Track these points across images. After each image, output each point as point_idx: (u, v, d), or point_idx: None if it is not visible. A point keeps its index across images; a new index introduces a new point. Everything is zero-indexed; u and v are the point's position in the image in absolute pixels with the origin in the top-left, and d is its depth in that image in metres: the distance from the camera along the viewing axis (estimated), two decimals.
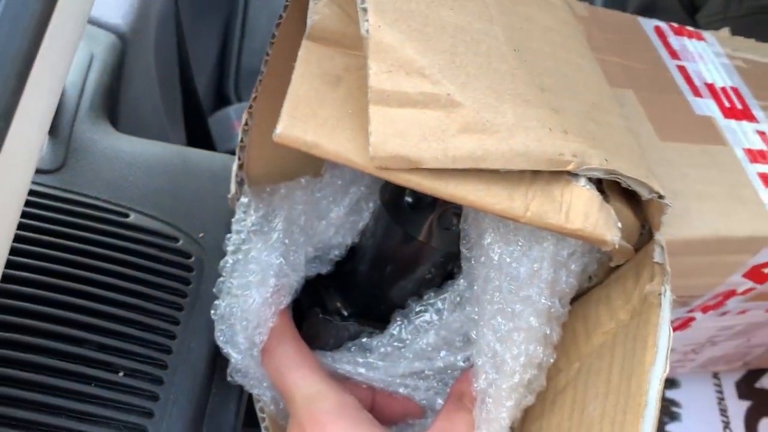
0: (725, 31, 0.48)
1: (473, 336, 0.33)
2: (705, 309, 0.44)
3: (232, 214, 0.39)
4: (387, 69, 0.23)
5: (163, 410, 0.32)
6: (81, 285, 0.34)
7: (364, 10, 0.24)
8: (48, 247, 0.35)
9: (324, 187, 0.40)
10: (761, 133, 0.42)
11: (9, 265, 0.33)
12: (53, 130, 0.41)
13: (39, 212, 0.36)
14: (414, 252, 0.38)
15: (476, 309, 0.32)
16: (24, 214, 0.35)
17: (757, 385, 0.65)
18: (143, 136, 0.54)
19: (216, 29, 1.02)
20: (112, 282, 0.35)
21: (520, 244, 0.31)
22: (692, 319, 0.45)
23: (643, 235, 0.33)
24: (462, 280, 0.34)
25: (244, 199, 0.39)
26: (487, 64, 0.25)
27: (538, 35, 0.29)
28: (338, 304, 0.42)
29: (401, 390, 0.36)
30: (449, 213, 0.37)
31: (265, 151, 0.39)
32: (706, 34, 0.47)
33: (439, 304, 0.35)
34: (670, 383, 0.63)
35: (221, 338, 0.35)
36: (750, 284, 0.41)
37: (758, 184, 0.38)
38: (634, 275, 0.33)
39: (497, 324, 0.33)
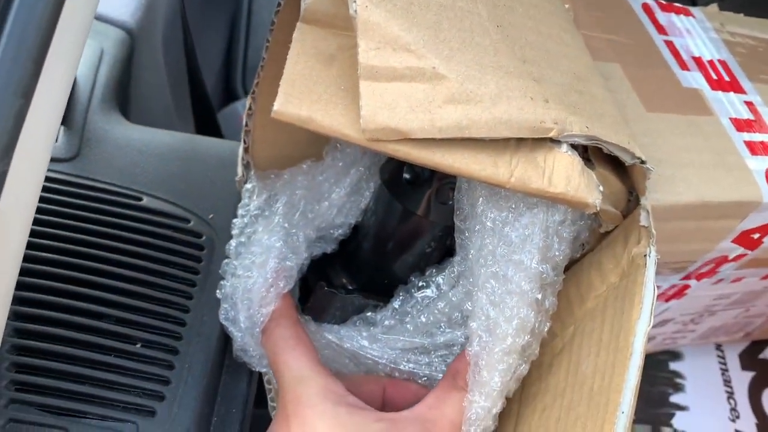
0: (714, 7, 0.49)
1: (468, 306, 0.34)
2: (699, 276, 0.45)
3: (240, 196, 0.41)
4: (375, 46, 0.25)
5: (179, 378, 0.34)
6: (99, 264, 0.36)
7: None
8: (68, 230, 0.37)
9: (326, 169, 0.42)
10: (749, 104, 0.43)
11: (33, 247, 0.35)
12: (68, 122, 0.43)
13: (58, 197, 0.38)
14: (414, 227, 0.40)
15: (470, 279, 0.34)
16: (44, 200, 0.37)
17: (761, 356, 0.66)
18: (153, 127, 0.56)
19: (222, 25, 1.04)
20: (128, 261, 0.37)
21: (512, 210, 0.33)
22: (687, 286, 0.46)
23: (631, 202, 0.35)
24: (458, 256, 0.36)
25: (248, 185, 0.41)
26: (471, 38, 0.27)
27: (522, 11, 0.30)
28: (344, 280, 0.44)
29: (403, 366, 0.37)
30: (445, 188, 0.38)
31: (269, 134, 0.41)
32: (694, 9, 0.48)
33: (439, 280, 0.37)
34: (674, 356, 0.64)
35: (224, 317, 0.37)
36: (741, 250, 0.42)
37: (744, 151, 0.40)
38: (623, 240, 0.34)
39: (490, 287, 0.34)
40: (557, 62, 0.30)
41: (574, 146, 0.29)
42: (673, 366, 0.64)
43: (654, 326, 0.52)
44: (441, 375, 0.38)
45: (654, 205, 0.35)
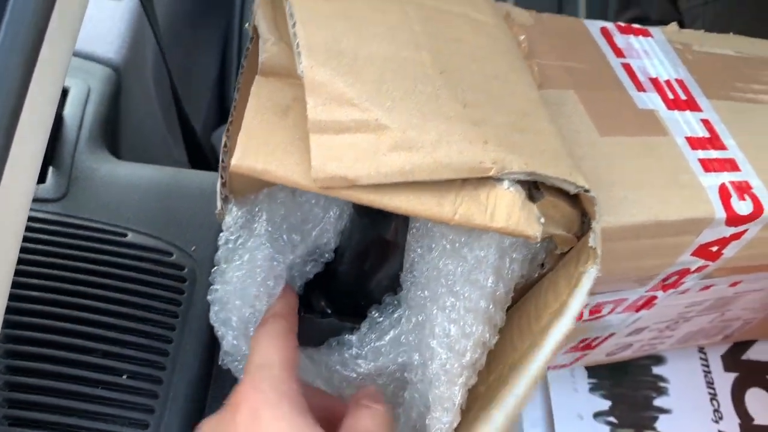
0: (674, 26, 0.51)
1: (423, 318, 0.36)
2: (665, 288, 0.46)
3: (221, 227, 0.43)
4: (322, 102, 0.27)
5: (163, 406, 0.36)
6: (86, 300, 0.38)
7: (299, 54, 0.28)
8: (55, 269, 0.39)
9: (303, 192, 0.44)
10: (705, 121, 0.45)
11: (22, 286, 0.37)
12: (55, 162, 0.45)
13: (46, 237, 0.41)
14: (385, 250, 0.42)
15: (426, 293, 0.36)
16: (32, 240, 0.40)
17: (744, 357, 0.67)
18: (147, 157, 0.58)
19: (215, 43, 1.06)
20: (114, 296, 0.39)
21: (470, 233, 0.35)
22: (654, 297, 0.48)
23: (585, 224, 0.37)
24: (408, 273, 0.38)
25: (232, 206, 0.43)
26: (413, 87, 0.29)
27: (467, 53, 0.32)
28: (322, 303, 0.46)
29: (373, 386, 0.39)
30: None
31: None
32: (653, 30, 0.50)
33: (396, 301, 0.39)
34: (657, 360, 0.66)
35: (215, 318, 0.39)
36: (702, 262, 0.44)
37: (698, 168, 0.41)
38: (575, 260, 0.36)
39: (450, 305, 0.36)
40: (500, 102, 0.32)
41: (519, 181, 0.31)
42: (656, 370, 0.65)
43: (629, 334, 0.54)
44: (400, 391, 0.40)
45: (607, 226, 0.37)
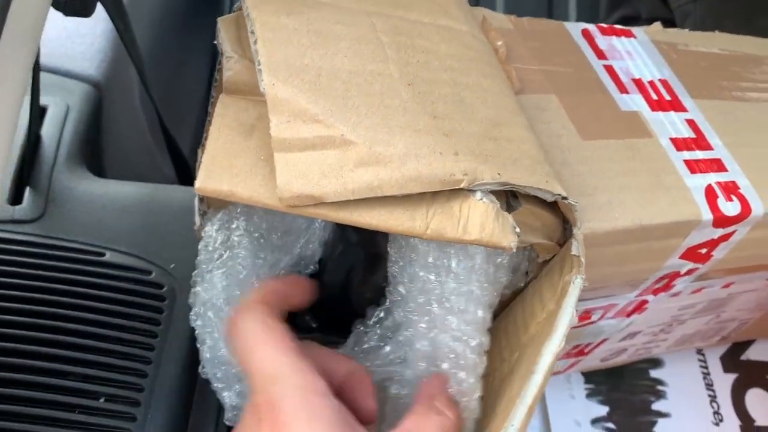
0: (657, 25, 0.50)
1: (419, 344, 0.36)
2: (655, 292, 0.46)
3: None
4: (285, 120, 0.27)
5: (142, 429, 0.35)
6: (63, 323, 0.38)
7: (260, 71, 0.27)
8: (31, 291, 0.38)
9: None
10: (690, 122, 0.44)
11: None
12: (32, 182, 0.45)
13: (23, 259, 0.40)
14: (368, 261, 0.42)
15: (412, 305, 0.35)
16: (7, 263, 0.39)
17: (743, 357, 0.66)
18: (134, 174, 0.58)
19: (205, 52, 1.05)
20: (91, 317, 0.38)
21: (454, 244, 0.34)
22: (645, 302, 0.47)
23: (567, 231, 0.36)
24: (400, 288, 0.37)
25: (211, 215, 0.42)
26: (380, 101, 0.28)
27: (437, 64, 0.32)
28: (307, 317, 0.45)
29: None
30: None
31: None
32: (636, 30, 0.49)
33: (382, 314, 0.38)
34: (654, 363, 0.65)
35: (195, 321, 0.38)
36: (691, 265, 0.43)
37: (683, 170, 0.41)
38: (559, 268, 0.35)
39: (449, 323, 0.36)
40: (472, 112, 0.31)
41: (494, 192, 0.30)
42: (654, 373, 0.64)
43: (622, 339, 0.54)
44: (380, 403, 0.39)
45: (591, 232, 0.36)
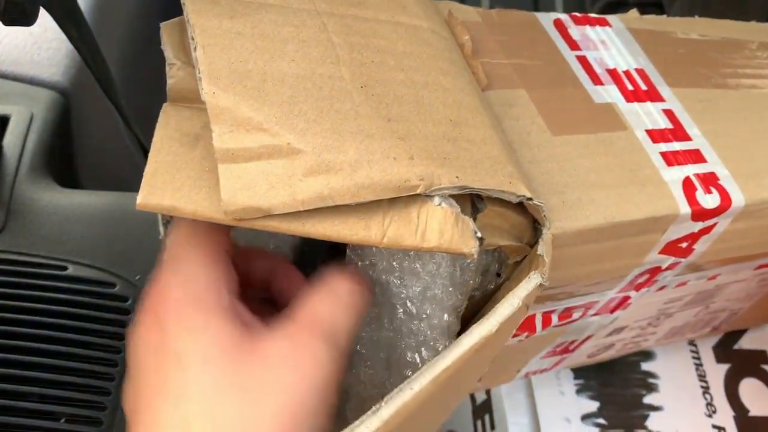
0: (634, 12, 0.49)
1: (382, 351, 0.35)
2: (637, 287, 0.44)
3: None
4: (228, 129, 0.25)
5: None
6: (22, 342, 0.37)
7: (200, 78, 0.26)
8: None
9: None
10: (667, 112, 0.42)
11: None
12: None
13: None
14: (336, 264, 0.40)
15: (375, 310, 0.34)
16: None
17: (736, 347, 0.65)
18: (112, 178, 0.57)
19: None
20: (52, 334, 0.37)
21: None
22: (628, 297, 0.46)
23: (538, 231, 0.35)
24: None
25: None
26: (329, 106, 0.27)
27: (393, 64, 0.30)
28: None
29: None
30: None
31: None
32: (611, 18, 0.47)
33: None
34: (646, 356, 0.64)
35: None
36: (672, 259, 0.42)
37: (660, 163, 0.39)
38: (528, 268, 0.34)
39: (416, 329, 0.34)
40: (430, 112, 0.30)
41: (454, 195, 0.29)
42: (645, 366, 0.63)
43: (608, 335, 0.53)
44: None
45: (561, 232, 0.35)
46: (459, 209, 0.29)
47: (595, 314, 0.46)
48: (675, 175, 0.39)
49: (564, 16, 0.46)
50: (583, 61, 0.43)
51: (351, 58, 0.29)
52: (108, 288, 0.40)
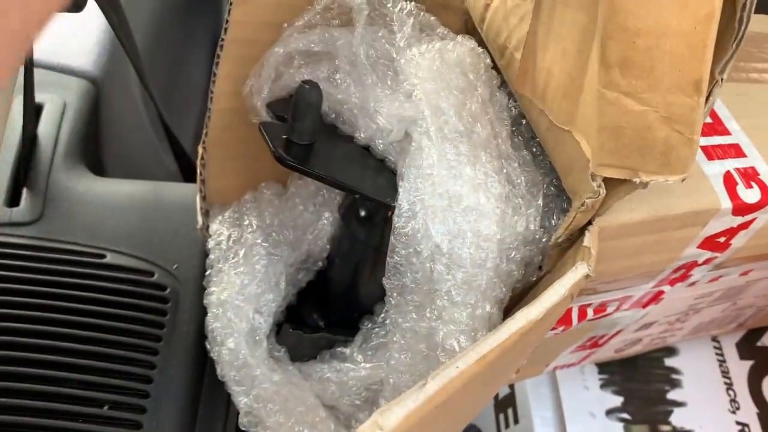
0: None
1: (413, 325, 0.35)
2: (672, 282, 0.44)
3: (204, 243, 0.41)
4: None
5: None
6: (63, 328, 0.37)
7: None
8: (30, 296, 0.37)
9: (291, 197, 0.43)
10: None
11: None
12: (30, 183, 0.43)
13: (21, 263, 0.39)
14: (373, 257, 0.40)
15: (415, 297, 0.34)
16: (5, 267, 0.38)
17: (759, 343, 0.65)
18: (137, 171, 0.57)
19: (205, 47, 1.04)
20: (92, 321, 0.37)
21: (469, 234, 0.33)
22: (662, 292, 0.46)
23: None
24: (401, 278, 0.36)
25: (218, 213, 0.41)
26: None
27: None
28: (315, 316, 0.44)
29: (357, 401, 0.38)
30: None
31: (223, 182, 0.41)
32: None
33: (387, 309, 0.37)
34: (669, 351, 0.64)
35: (212, 324, 0.36)
36: (709, 254, 0.42)
37: (700, 157, 0.39)
38: (573, 260, 0.34)
39: (457, 317, 0.34)
40: None
41: None
42: (669, 362, 0.63)
43: (637, 330, 0.52)
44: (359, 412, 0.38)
45: (607, 225, 0.35)
46: None
47: (629, 308, 0.46)
48: (716, 169, 0.39)
49: None
50: None
51: None
52: (147, 276, 0.40)
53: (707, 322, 0.57)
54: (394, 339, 0.37)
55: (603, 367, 0.62)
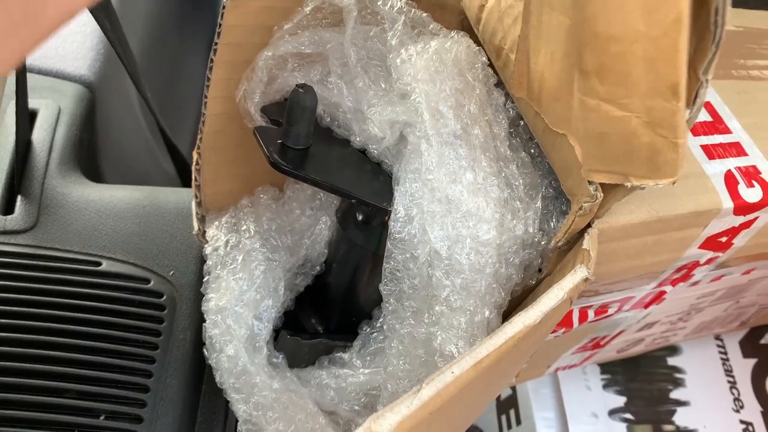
0: None
1: (410, 330, 0.34)
2: (674, 282, 0.44)
3: (200, 248, 0.41)
4: None
5: None
6: (58, 338, 0.36)
7: None
8: (24, 305, 0.37)
9: (287, 201, 0.42)
10: (706, 104, 0.42)
11: None
12: (24, 191, 0.43)
13: (14, 272, 0.38)
14: (371, 262, 0.40)
15: (413, 303, 0.33)
16: (0, 276, 0.38)
17: (763, 341, 0.65)
18: (134, 176, 0.56)
19: (203, 49, 1.04)
20: (87, 330, 0.37)
21: (461, 237, 0.32)
22: (663, 292, 0.45)
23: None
24: (399, 284, 0.35)
25: (214, 218, 0.41)
26: None
27: None
28: (313, 321, 0.43)
29: (357, 407, 0.37)
30: None
31: (219, 187, 0.41)
32: None
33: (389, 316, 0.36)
34: (672, 351, 0.63)
35: (210, 330, 0.36)
36: (711, 254, 0.42)
37: (701, 156, 0.39)
38: (572, 263, 0.34)
39: (457, 324, 0.34)
40: None
41: None
42: (672, 361, 0.63)
43: (639, 330, 0.52)
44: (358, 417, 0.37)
45: (607, 227, 0.34)
46: None
47: (630, 309, 0.46)
48: (717, 168, 0.38)
49: None
50: None
51: None
52: (142, 283, 0.40)
53: (710, 321, 0.57)
54: (392, 345, 0.36)
55: (605, 367, 0.62)
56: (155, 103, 0.55)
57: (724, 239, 0.40)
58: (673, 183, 0.28)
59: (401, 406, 0.24)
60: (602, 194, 0.30)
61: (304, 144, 0.35)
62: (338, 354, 0.40)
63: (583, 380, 0.61)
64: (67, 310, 0.38)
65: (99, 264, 0.40)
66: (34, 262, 0.39)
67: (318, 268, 0.44)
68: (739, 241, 0.41)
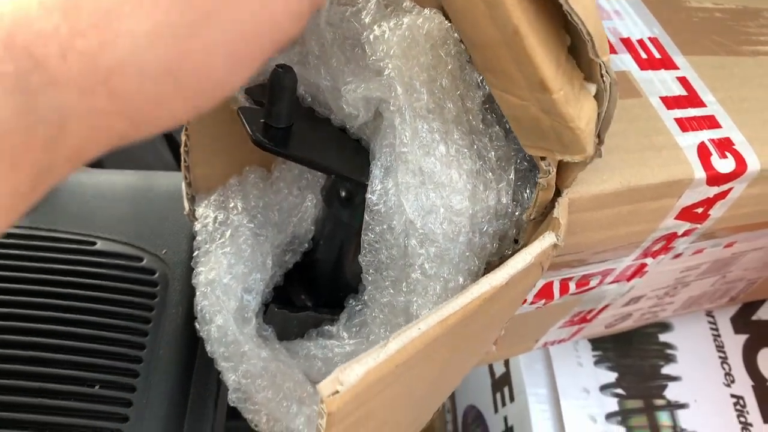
0: None
1: (390, 299, 0.36)
2: (654, 254, 0.45)
3: (192, 228, 0.43)
4: None
5: (138, 414, 0.36)
6: (54, 312, 0.38)
7: None
8: (22, 283, 0.39)
9: (275, 181, 0.44)
10: (681, 79, 0.43)
11: None
12: None
13: (12, 252, 0.40)
14: (357, 239, 0.41)
15: (391, 273, 0.35)
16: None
17: (754, 317, 0.65)
18: (132, 159, 0.58)
19: None
20: (83, 305, 0.38)
21: (435, 207, 0.34)
22: (644, 265, 0.46)
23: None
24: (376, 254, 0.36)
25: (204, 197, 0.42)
26: None
27: None
28: (302, 296, 0.45)
29: None
30: None
31: (208, 168, 0.42)
32: None
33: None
34: (663, 327, 0.64)
35: (200, 303, 0.37)
36: (688, 225, 0.42)
37: (674, 128, 0.40)
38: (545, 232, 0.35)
39: (432, 292, 0.35)
40: None
41: None
42: (663, 338, 0.64)
43: (626, 304, 0.53)
44: None
45: (577, 197, 0.35)
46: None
47: (613, 282, 0.47)
48: (690, 140, 0.39)
49: None
50: None
51: None
52: (135, 262, 0.41)
53: (698, 295, 0.58)
54: (373, 314, 0.38)
55: (596, 343, 0.63)
56: None
57: (699, 210, 0.41)
58: (589, 159, 0.31)
59: (368, 358, 0.25)
60: (555, 168, 0.32)
61: (286, 123, 0.36)
62: (326, 327, 0.42)
63: (574, 356, 0.62)
64: (63, 286, 0.39)
65: (94, 243, 0.42)
66: (31, 242, 0.41)
67: (306, 245, 0.45)
68: (716, 212, 0.42)
